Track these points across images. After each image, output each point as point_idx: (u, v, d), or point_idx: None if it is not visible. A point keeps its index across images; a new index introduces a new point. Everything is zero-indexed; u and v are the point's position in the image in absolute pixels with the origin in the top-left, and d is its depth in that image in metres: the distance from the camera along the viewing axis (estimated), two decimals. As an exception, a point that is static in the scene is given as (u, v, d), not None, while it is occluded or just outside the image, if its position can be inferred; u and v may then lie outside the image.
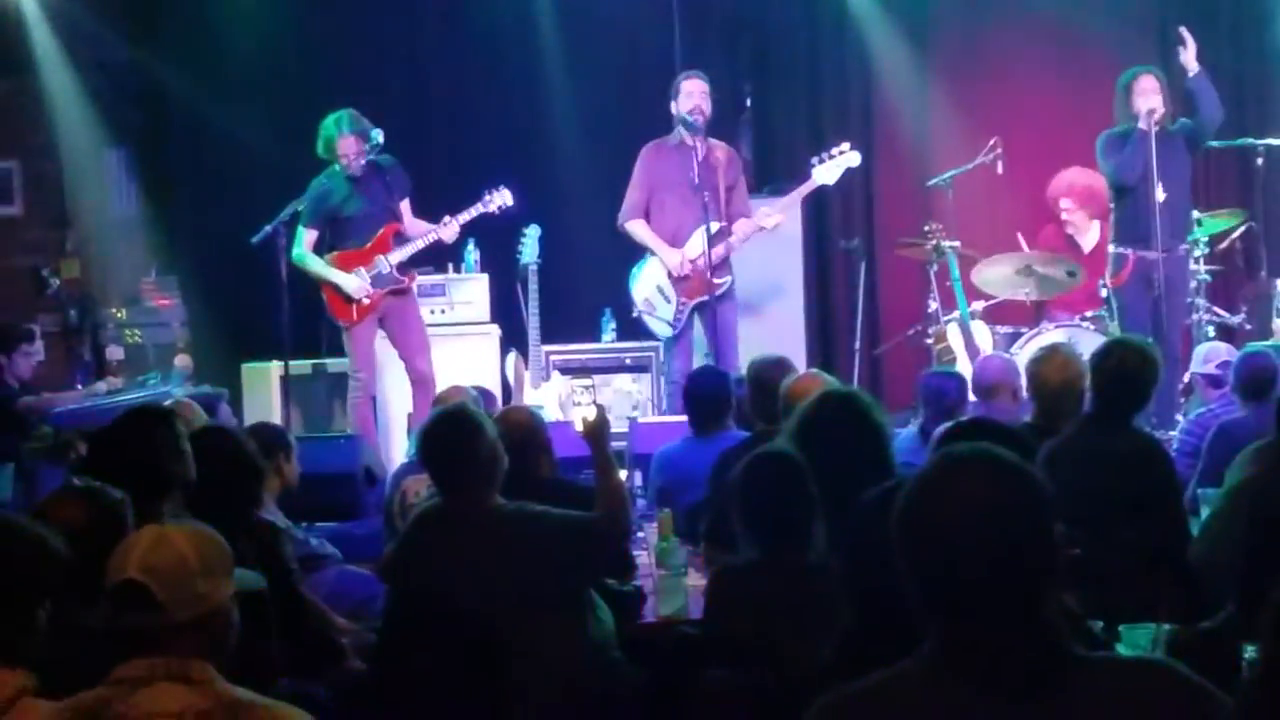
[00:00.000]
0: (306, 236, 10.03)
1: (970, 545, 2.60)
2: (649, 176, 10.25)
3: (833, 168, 10.26)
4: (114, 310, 12.02)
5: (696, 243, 10.01)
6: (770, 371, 7.08)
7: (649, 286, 10.22)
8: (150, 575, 3.18)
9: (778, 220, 10.27)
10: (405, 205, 10.21)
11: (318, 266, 10.02)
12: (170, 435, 5.37)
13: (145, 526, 3.33)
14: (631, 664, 5.56)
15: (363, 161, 9.95)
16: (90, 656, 3.83)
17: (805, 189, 10.34)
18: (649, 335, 10.51)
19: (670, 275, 10.13)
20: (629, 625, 5.79)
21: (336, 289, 9.99)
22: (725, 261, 10.12)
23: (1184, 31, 10.11)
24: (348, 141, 9.89)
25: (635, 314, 10.35)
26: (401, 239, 10.07)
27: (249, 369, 10.95)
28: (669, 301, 10.14)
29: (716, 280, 10.00)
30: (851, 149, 10.32)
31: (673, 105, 10.20)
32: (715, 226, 9.98)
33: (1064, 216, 11.21)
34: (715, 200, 10.02)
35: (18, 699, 3.30)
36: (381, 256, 9.98)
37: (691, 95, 10.12)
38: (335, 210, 10.03)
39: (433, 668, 5.21)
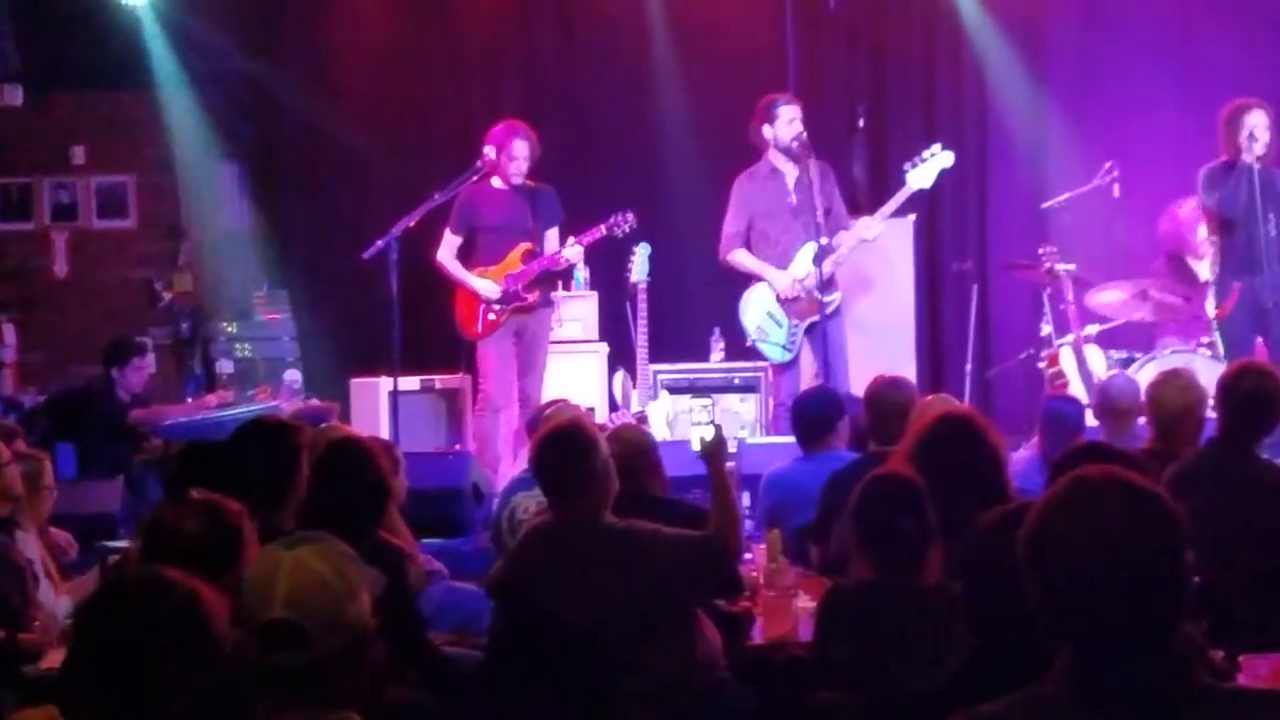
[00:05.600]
0: (451, 241, 10.18)
1: (1105, 570, 2.56)
2: (746, 207, 10.09)
3: (926, 171, 10.04)
4: (225, 324, 12.13)
5: (801, 264, 9.89)
6: (888, 392, 6.97)
7: (759, 313, 10.05)
8: (298, 610, 2.91)
9: (877, 231, 10.05)
10: (552, 234, 10.22)
11: (457, 270, 10.14)
12: (287, 449, 5.40)
13: (274, 550, 3.03)
14: (740, 685, 5.51)
15: (519, 179, 10.06)
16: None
17: (901, 196, 10.10)
18: (759, 356, 10.44)
19: (779, 299, 9.98)
20: (737, 646, 5.75)
21: (468, 298, 10.09)
22: (832, 279, 9.94)
23: None
24: (519, 147, 9.98)
25: (749, 343, 10.16)
26: (532, 258, 10.08)
27: (358, 384, 10.98)
28: (780, 325, 9.99)
29: (825, 298, 9.88)
30: (943, 149, 10.11)
31: (765, 130, 9.98)
32: (816, 247, 9.86)
33: (1196, 241, 10.86)
34: (814, 219, 9.83)
35: None
36: (509, 275, 10.02)
37: (794, 121, 9.94)
38: (476, 219, 10.12)
39: (540, 684, 5.19)
